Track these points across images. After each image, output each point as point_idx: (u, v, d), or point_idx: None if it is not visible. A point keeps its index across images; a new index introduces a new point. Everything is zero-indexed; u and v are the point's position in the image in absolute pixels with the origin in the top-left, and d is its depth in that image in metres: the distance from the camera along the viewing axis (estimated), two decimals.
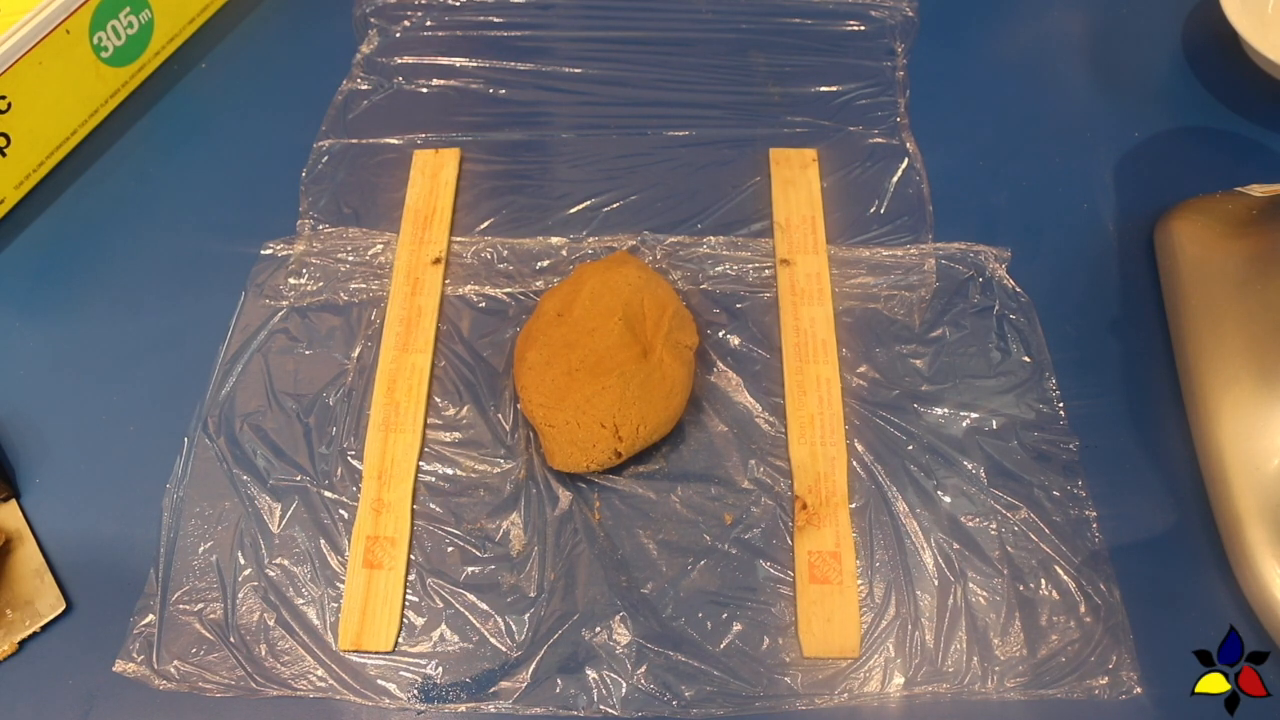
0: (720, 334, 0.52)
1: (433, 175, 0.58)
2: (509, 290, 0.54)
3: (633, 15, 0.66)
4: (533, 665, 0.44)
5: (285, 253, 0.56)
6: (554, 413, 0.47)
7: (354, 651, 0.44)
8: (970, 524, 0.47)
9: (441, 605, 0.45)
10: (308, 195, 0.58)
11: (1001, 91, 0.62)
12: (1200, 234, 0.50)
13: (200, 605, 0.45)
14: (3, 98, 0.54)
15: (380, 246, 0.56)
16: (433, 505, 0.48)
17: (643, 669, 0.43)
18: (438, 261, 0.55)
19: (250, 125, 0.62)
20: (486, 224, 0.57)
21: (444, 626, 0.45)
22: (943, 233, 0.56)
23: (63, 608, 0.46)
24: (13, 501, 0.49)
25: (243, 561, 0.46)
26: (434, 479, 0.49)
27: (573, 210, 0.57)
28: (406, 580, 0.46)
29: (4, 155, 0.55)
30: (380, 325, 0.53)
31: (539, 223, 0.57)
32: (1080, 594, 0.45)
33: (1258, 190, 0.52)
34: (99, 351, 0.54)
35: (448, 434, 0.50)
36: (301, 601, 0.46)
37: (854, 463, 0.48)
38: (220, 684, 0.44)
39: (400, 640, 0.45)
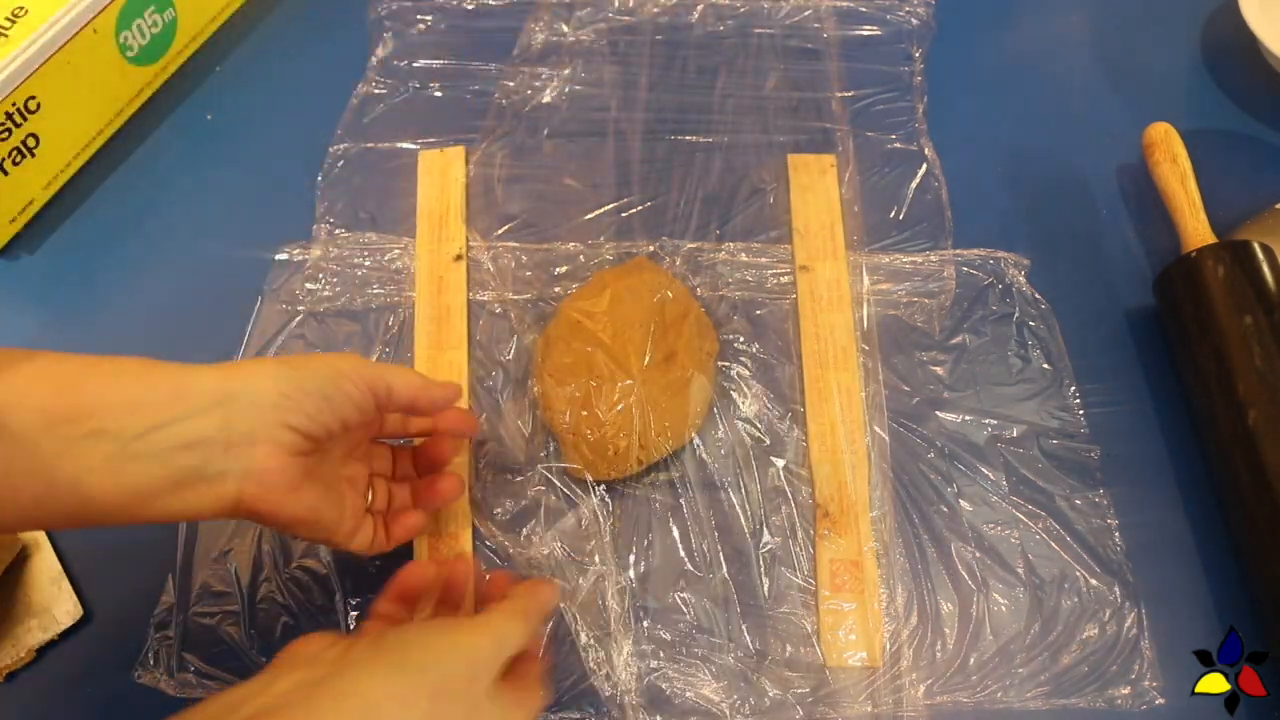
0: (740, 340, 0.52)
1: (441, 174, 0.58)
2: (527, 296, 0.54)
3: (650, 20, 0.66)
4: (555, 673, 0.43)
5: (301, 257, 0.56)
6: (575, 419, 0.47)
7: None
8: (992, 532, 0.47)
9: None
10: (324, 199, 0.58)
11: (1019, 96, 0.62)
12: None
13: (220, 613, 0.45)
14: (32, 98, 0.53)
15: (397, 251, 0.56)
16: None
17: (664, 677, 0.43)
18: (459, 258, 0.55)
19: (266, 129, 0.62)
20: (504, 229, 0.57)
21: None
22: (961, 238, 0.55)
23: (80, 615, 0.45)
24: None
25: (263, 569, 0.46)
26: None
27: (590, 216, 0.57)
28: None
29: (33, 155, 0.55)
30: (399, 331, 0.53)
31: (556, 228, 0.57)
32: (1102, 603, 0.45)
33: None
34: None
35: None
36: (323, 609, 0.45)
37: (875, 470, 0.48)
38: None
39: None
